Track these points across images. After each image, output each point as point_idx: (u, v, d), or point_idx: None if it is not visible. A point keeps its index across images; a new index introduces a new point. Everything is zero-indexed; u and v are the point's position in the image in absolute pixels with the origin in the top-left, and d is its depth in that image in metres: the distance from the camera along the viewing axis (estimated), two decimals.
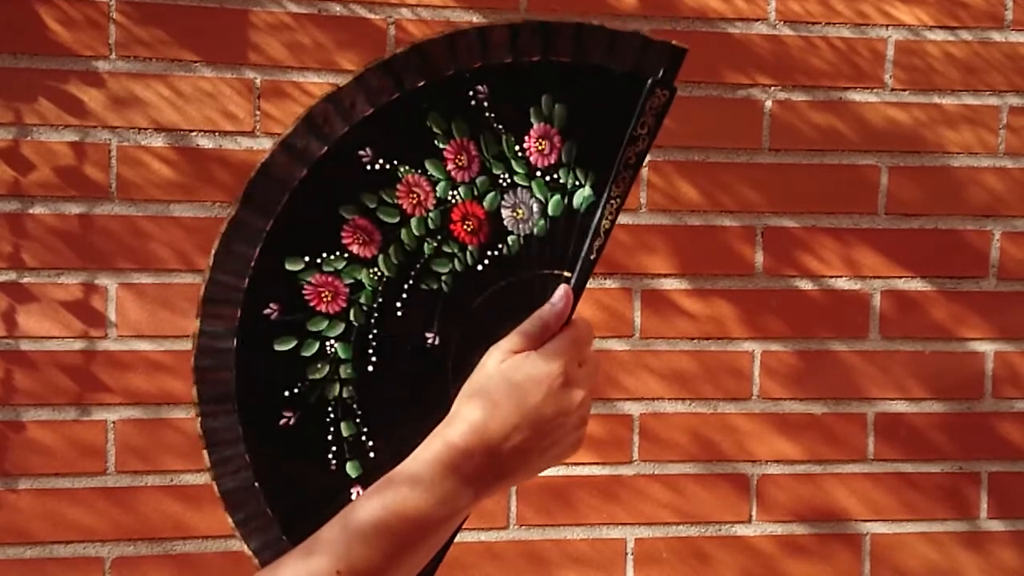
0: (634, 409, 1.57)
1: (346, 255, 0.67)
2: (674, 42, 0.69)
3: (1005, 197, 1.63)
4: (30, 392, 1.44)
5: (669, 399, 1.57)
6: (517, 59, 0.68)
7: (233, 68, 1.48)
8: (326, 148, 0.67)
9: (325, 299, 0.68)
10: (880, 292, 1.61)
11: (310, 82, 1.50)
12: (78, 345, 1.45)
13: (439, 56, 0.67)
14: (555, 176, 0.68)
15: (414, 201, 0.68)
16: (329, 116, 0.67)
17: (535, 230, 0.68)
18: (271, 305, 0.67)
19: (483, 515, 1.52)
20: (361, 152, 0.67)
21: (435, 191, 0.68)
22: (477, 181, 0.68)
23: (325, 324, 0.68)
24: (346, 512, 0.63)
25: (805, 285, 1.60)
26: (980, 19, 1.62)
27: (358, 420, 0.69)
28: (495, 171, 0.68)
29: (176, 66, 1.47)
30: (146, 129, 1.47)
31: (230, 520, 0.69)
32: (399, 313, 0.68)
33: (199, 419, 0.68)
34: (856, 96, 1.60)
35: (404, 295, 0.68)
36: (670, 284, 1.57)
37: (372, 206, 0.67)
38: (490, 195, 0.68)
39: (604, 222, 0.69)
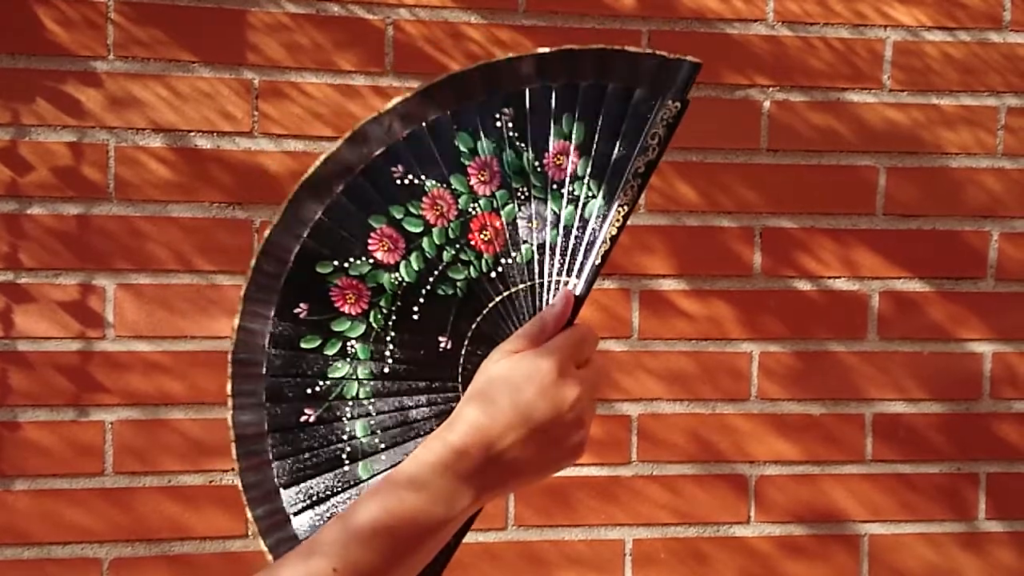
0: (632, 410, 1.56)
1: (371, 261, 0.72)
2: (690, 58, 0.72)
3: (1003, 198, 1.63)
4: (28, 393, 1.44)
5: (667, 400, 1.57)
6: (540, 84, 0.73)
7: (231, 68, 1.48)
8: (363, 165, 0.73)
9: (349, 301, 0.72)
10: (878, 293, 1.61)
11: (308, 82, 1.49)
12: (76, 346, 1.45)
13: (471, 85, 0.74)
14: (570, 189, 0.72)
15: (437, 212, 0.72)
16: (369, 136, 0.74)
17: (547, 239, 0.72)
18: (301, 304, 0.72)
19: (482, 516, 1.51)
20: (393, 168, 0.73)
21: (457, 203, 0.73)
22: (497, 194, 0.72)
23: (348, 325, 0.72)
24: (345, 513, 0.63)
25: (803, 286, 1.60)
26: (978, 20, 1.62)
27: (372, 422, 0.72)
28: (514, 184, 0.72)
29: (174, 66, 1.47)
30: (144, 129, 1.46)
31: (249, 514, 0.71)
32: (415, 317, 0.72)
33: (231, 412, 0.72)
34: (854, 97, 1.60)
35: (421, 300, 0.72)
36: (668, 285, 1.57)
37: (399, 217, 0.72)
38: (508, 207, 0.72)
39: (611, 228, 0.71)
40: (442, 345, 0.72)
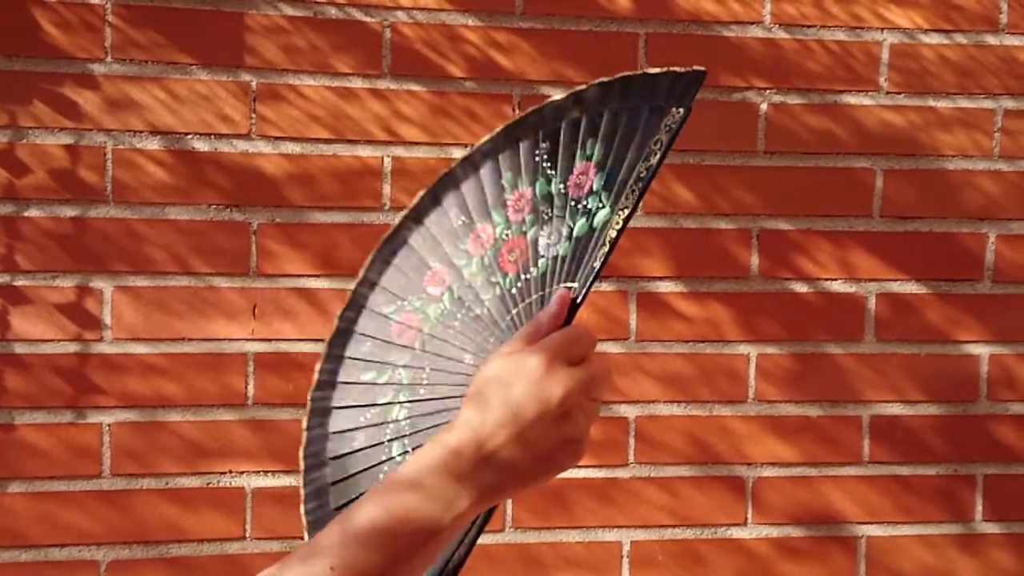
0: (630, 412, 1.57)
1: (423, 295, 0.78)
2: (695, 67, 0.75)
3: (1000, 200, 1.63)
4: (25, 395, 1.44)
5: (664, 402, 1.57)
6: (575, 116, 0.77)
7: (229, 71, 1.48)
8: (433, 215, 0.80)
9: (404, 334, 0.78)
10: (875, 295, 1.61)
11: (306, 85, 1.50)
12: (73, 348, 1.45)
13: (523, 130, 0.78)
14: (585, 204, 0.74)
15: (479, 244, 0.78)
16: (446, 188, 0.80)
17: (560, 251, 0.74)
18: (366, 343, 0.79)
19: None
20: (451, 214, 0.79)
21: (495, 233, 0.77)
22: (526, 219, 0.76)
23: (397, 354, 0.78)
24: (345, 515, 0.64)
25: (800, 288, 1.60)
26: (975, 22, 1.62)
27: (406, 440, 0.75)
28: (541, 208, 0.76)
29: (172, 69, 1.47)
30: (141, 132, 1.46)
31: (303, 518, 0.76)
32: (449, 339, 0.76)
33: (305, 432, 0.78)
34: (851, 99, 1.60)
35: (456, 323, 0.76)
36: (666, 287, 1.57)
37: (449, 252, 0.79)
38: (533, 229, 0.76)
39: (611, 232, 0.72)
40: (467, 362, 0.74)
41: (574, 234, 0.74)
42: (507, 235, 0.77)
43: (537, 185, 0.76)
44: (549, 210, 0.76)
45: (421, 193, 0.80)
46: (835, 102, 1.60)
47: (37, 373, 1.44)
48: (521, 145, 0.78)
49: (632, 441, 1.57)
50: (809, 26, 1.59)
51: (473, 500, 0.65)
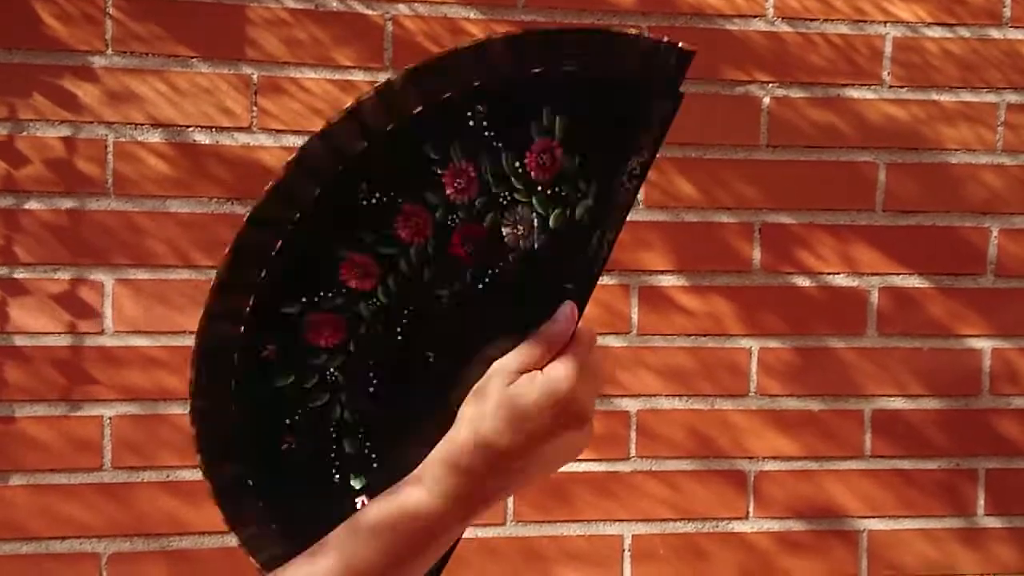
0: (631, 406, 1.56)
1: (344, 291, 0.67)
2: (681, 44, 0.65)
3: (1003, 194, 1.63)
4: (25, 388, 1.44)
5: (666, 396, 1.57)
6: (517, 73, 0.64)
7: (230, 64, 1.48)
8: (319, 190, 0.67)
9: (324, 334, 0.67)
10: (878, 289, 1.61)
11: (307, 78, 1.49)
12: (74, 341, 1.45)
13: (436, 80, 0.64)
14: (556, 189, 0.66)
15: (412, 230, 0.66)
16: (322, 154, 0.67)
17: (535, 245, 0.66)
18: (268, 347, 0.67)
19: None
20: (359, 188, 0.66)
21: (434, 217, 0.66)
22: (476, 202, 0.66)
23: (325, 357, 0.68)
24: (353, 517, 0.64)
25: (803, 282, 1.60)
26: (978, 16, 1.61)
27: (360, 435, 0.69)
28: (495, 190, 0.65)
29: (173, 61, 1.47)
30: (142, 124, 1.46)
31: (237, 540, 0.71)
32: (399, 337, 0.68)
33: (201, 461, 0.68)
34: (854, 93, 1.60)
35: (404, 320, 0.68)
36: (668, 281, 1.57)
37: (370, 241, 0.66)
38: (490, 215, 0.66)
39: (609, 234, 0.67)
40: (430, 361, 0.68)
41: (550, 226, 0.66)
42: (453, 220, 0.66)
43: (482, 160, 0.65)
44: (507, 193, 0.65)
45: (293, 157, 0.68)
46: (838, 96, 1.60)
47: (38, 366, 1.44)
48: (445, 104, 0.64)
49: (633, 435, 1.57)
50: (812, 19, 1.59)
51: (477, 489, 0.65)
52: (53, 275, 1.44)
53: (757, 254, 1.58)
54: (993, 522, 1.65)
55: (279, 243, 0.66)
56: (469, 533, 0.71)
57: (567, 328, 0.67)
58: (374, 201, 0.66)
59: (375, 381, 0.68)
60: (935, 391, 1.62)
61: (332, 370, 0.68)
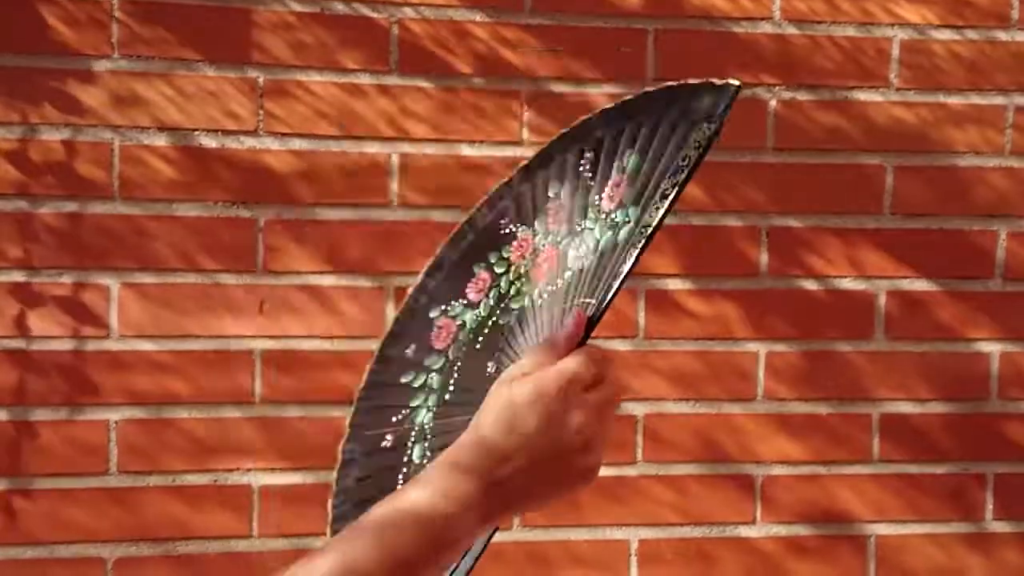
0: (638, 410, 1.56)
1: (463, 301, 0.79)
2: (731, 80, 0.73)
3: (1011, 197, 1.62)
4: (31, 392, 1.44)
5: (673, 400, 1.57)
6: (618, 126, 0.76)
7: (236, 67, 1.48)
8: (478, 224, 0.81)
9: (441, 337, 0.79)
10: (885, 292, 1.60)
11: (313, 81, 1.49)
12: (80, 345, 1.45)
13: (572, 139, 0.78)
14: (614, 217, 0.74)
15: (519, 252, 0.78)
16: (500, 195, 0.81)
17: (585, 264, 0.73)
18: (411, 345, 0.80)
19: None
20: (501, 221, 0.80)
21: (534, 242, 0.77)
22: (561, 230, 0.76)
23: (433, 359, 0.78)
24: (358, 519, 0.65)
25: (810, 285, 1.59)
26: (986, 18, 1.61)
27: (426, 444, 0.76)
28: (576, 219, 0.76)
29: (179, 65, 1.47)
30: (149, 128, 1.46)
31: (329, 512, 0.77)
32: (477, 347, 0.77)
33: (349, 429, 0.79)
34: (861, 95, 1.59)
35: (486, 330, 0.77)
36: (674, 284, 1.56)
37: (493, 261, 0.79)
38: (564, 240, 0.76)
39: (632, 250, 0.71)
40: (488, 371, 0.75)
41: (600, 247, 0.73)
42: (544, 245, 0.77)
43: (577, 196, 0.76)
44: (582, 222, 0.75)
45: (484, 199, 0.81)
46: (845, 98, 1.59)
47: (44, 370, 1.44)
48: (568, 154, 0.77)
49: (640, 439, 1.56)
50: (819, 22, 1.58)
51: (480, 491, 0.65)
52: (58, 279, 1.44)
53: (764, 258, 1.58)
54: (1002, 527, 1.64)
55: (449, 259, 0.81)
56: None
57: (571, 335, 0.69)
58: (507, 231, 0.79)
59: (452, 388, 0.77)
60: (943, 395, 1.62)
61: (433, 372, 0.78)
